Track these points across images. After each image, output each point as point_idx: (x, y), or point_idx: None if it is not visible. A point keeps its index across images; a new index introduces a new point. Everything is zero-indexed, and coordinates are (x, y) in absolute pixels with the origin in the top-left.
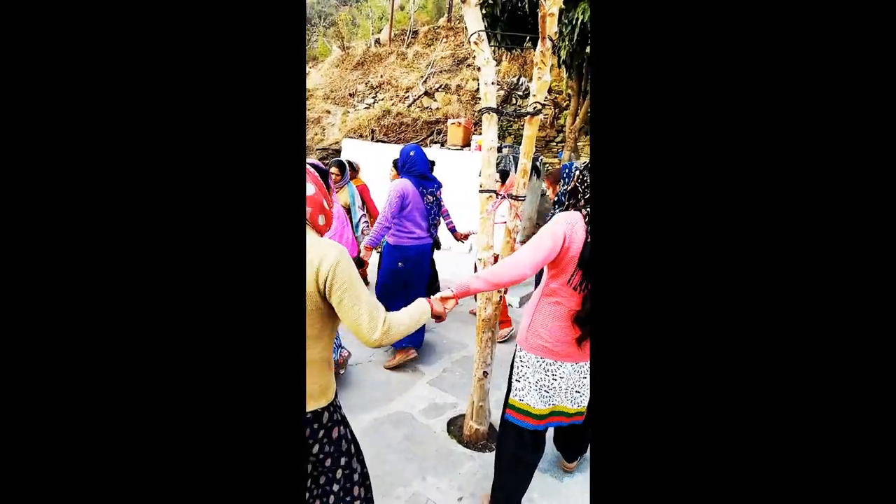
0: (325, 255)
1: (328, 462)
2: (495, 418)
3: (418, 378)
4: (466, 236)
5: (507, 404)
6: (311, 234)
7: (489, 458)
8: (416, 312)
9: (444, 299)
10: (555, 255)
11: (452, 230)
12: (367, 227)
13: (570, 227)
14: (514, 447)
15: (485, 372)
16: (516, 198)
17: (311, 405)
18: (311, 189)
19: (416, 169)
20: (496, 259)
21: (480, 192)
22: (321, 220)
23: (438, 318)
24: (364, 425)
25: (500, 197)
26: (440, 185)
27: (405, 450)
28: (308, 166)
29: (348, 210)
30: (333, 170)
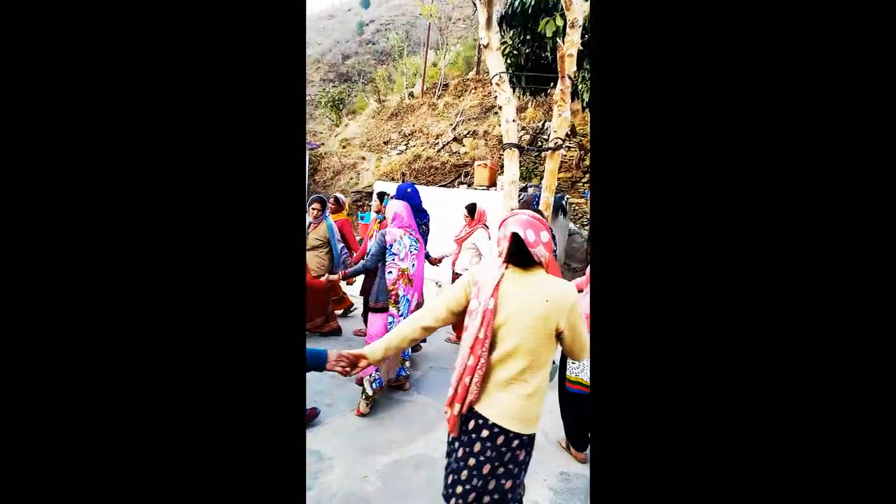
0: (567, 295)
1: (520, 491)
2: None
3: (441, 419)
4: (440, 259)
5: (565, 379)
6: (545, 274)
7: None
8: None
9: None
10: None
11: (426, 255)
12: (348, 258)
13: None
14: (573, 405)
15: None
16: None
17: (530, 429)
18: (546, 236)
19: (412, 203)
20: (454, 278)
21: None
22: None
23: None
24: (383, 467)
25: (469, 229)
26: (430, 217)
27: (426, 495)
28: (537, 215)
29: (327, 243)
30: (315, 205)
